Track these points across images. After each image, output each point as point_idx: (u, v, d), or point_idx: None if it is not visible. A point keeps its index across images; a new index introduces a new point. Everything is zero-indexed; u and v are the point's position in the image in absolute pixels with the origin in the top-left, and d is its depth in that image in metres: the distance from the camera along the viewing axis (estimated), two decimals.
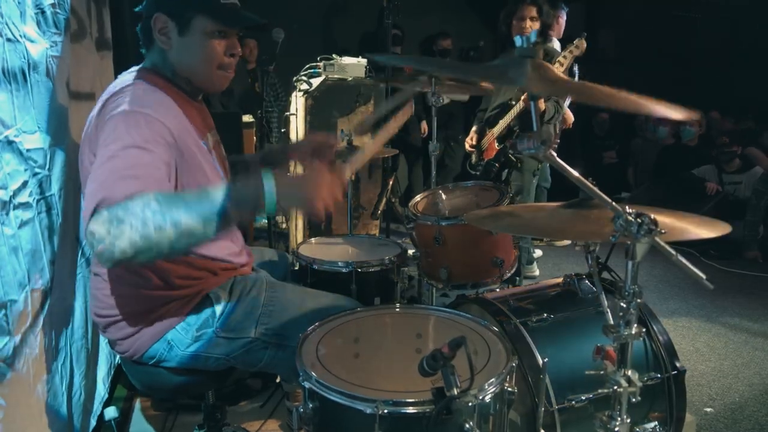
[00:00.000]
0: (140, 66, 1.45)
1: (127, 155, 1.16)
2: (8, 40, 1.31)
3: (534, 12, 3.15)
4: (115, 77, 2.39)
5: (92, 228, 1.04)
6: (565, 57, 2.90)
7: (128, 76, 1.40)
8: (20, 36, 1.37)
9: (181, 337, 1.42)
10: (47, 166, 1.52)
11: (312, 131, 3.63)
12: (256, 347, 1.45)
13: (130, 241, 1.03)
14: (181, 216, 1.05)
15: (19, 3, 1.37)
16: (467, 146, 3.48)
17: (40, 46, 1.48)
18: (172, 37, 1.38)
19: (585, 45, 2.89)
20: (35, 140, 1.45)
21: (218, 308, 1.46)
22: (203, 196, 1.11)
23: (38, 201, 1.47)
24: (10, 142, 1.32)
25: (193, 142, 1.40)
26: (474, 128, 3.49)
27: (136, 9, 1.43)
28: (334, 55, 3.73)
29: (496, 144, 3.29)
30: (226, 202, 1.08)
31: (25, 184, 1.39)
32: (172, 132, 1.29)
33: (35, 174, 1.46)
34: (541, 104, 3.06)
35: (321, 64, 3.69)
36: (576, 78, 3.38)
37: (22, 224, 1.37)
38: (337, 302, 1.57)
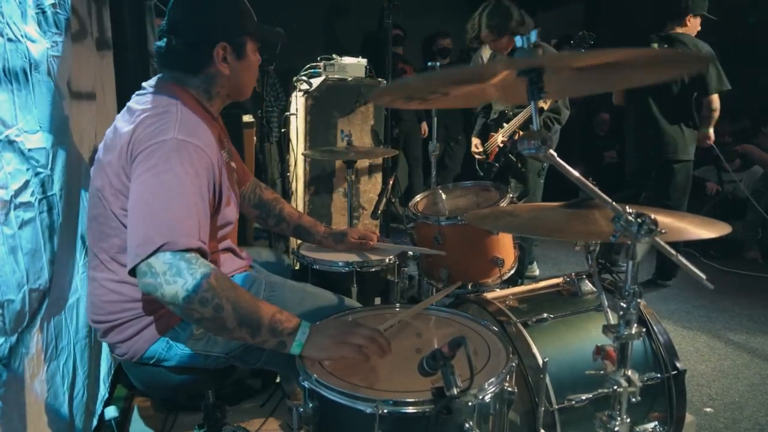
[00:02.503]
0: (165, 79, 1.46)
1: (184, 191, 1.25)
2: (9, 39, 1.31)
3: (488, 34, 3.13)
4: (116, 77, 2.42)
5: (151, 261, 1.19)
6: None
7: (161, 95, 1.40)
8: (21, 36, 1.37)
9: (179, 336, 1.42)
10: (49, 166, 1.52)
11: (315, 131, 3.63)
12: (254, 345, 1.45)
13: (175, 294, 1.18)
14: (226, 307, 1.21)
15: (19, 3, 1.37)
16: (475, 156, 3.52)
17: (41, 45, 1.48)
18: (230, 62, 1.45)
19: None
20: (37, 140, 1.45)
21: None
22: (252, 304, 1.24)
23: (40, 200, 1.47)
24: (11, 142, 1.33)
25: (223, 165, 1.44)
26: (474, 137, 3.54)
27: (162, 28, 1.45)
28: (334, 55, 3.73)
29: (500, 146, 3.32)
30: (266, 324, 1.23)
31: (26, 183, 1.40)
32: (213, 162, 1.35)
33: (37, 173, 1.46)
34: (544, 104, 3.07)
35: (321, 64, 3.69)
36: None
37: (23, 224, 1.37)
38: (337, 303, 1.57)
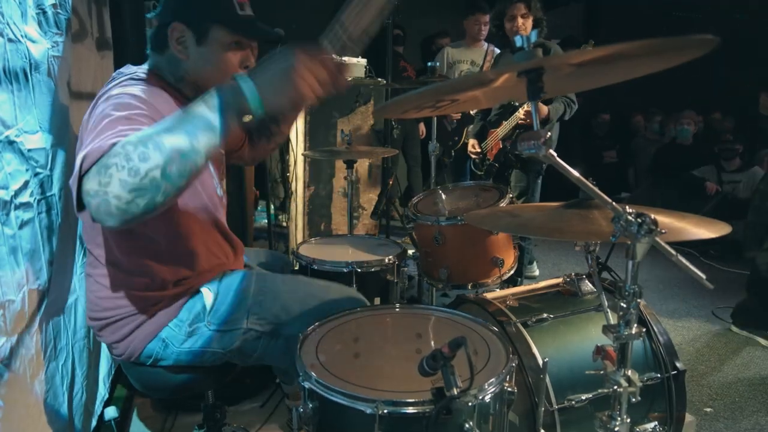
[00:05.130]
0: (141, 66, 1.45)
1: (113, 123, 1.10)
2: (9, 40, 1.31)
3: (523, 9, 3.17)
4: None
5: (85, 188, 0.99)
6: None
7: (125, 74, 1.39)
8: (21, 36, 1.37)
9: (174, 334, 1.43)
10: (48, 166, 1.52)
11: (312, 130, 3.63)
12: (249, 337, 1.46)
13: (120, 181, 0.98)
14: (164, 138, 1.00)
15: (20, 3, 1.37)
16: (471, 155, 3.52)
17: (41, 46, 1.48)
18: (189, 47, 1.38)
19: None
20: (37, 140, 1.45)
21: (208, 302, 1.46)
22: (181, 114, 1.05)
23: (39, 201, 1.47)
24: (11, 142, 1.32)
25: None
26: (471, 138, 3.55)
27: (148, 15, 1.43)
28: (334, 55, 3.73)
29: (501, 144, 3.32)
30: (215, 112, 1.05)
31: (26, 184, 1.40)
32: (163, 114, 1.21)
33: (36, 174, 1.46)
34: (543, 109, 3.06)
35: None
36: None
37: (23, 224, 1.37)
38: (328, 288, 1.57)
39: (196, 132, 1.03)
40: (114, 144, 1.01)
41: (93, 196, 0.98)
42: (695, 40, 0.87)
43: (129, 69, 1.42)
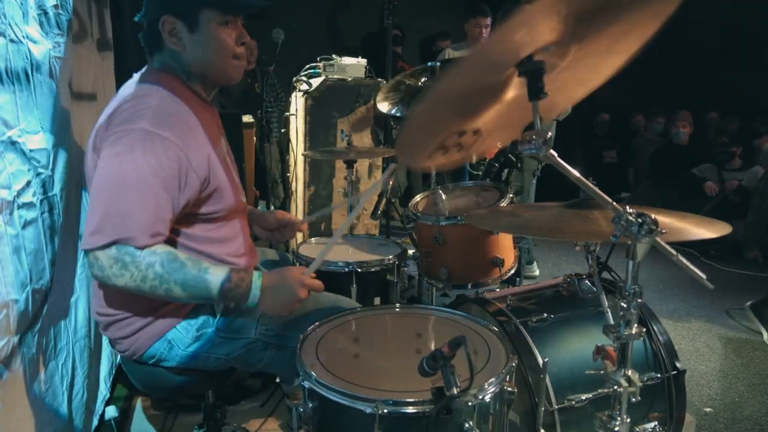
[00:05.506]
0: (152, 67, 1.44)
1: (142, 183, 1.24)
2: (11, 41, 1.31)
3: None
4: (116, 77, 2.42)
5: (98, 254, 1.23)
6: None
7: (144, 81, 1.39)
8: (23, 37, 1.38)
9: (181, 337, 1.42)
10: (50, 167, 1.53)
11: (312, 130, 3.63)
12: (256, 347, 1.46)
13: (126, 285, 1.24)
14: (176, 289, 1.26)
15: (21, 4, 1.38)
16: None
17: (42, 46, 1.48)
18: (183, 37, 1.38)
19: None
20: (39, 140, 1.45)
21: (219, 308, 1.46)
22: (200, 280, 1.28)
23: (41, 201, 1.47)
24: (13, 143, 1.33)
25: (211, 154, 1.40)
26: None
27: (136, 18, 1.42)
28: (333, 56, 3.73)
29: (499, 143, 3.31)
30: (216, 295, 1.29)
31: (28, 184, 1.40)
32: (189, 157, 1.31)
33: (38, 174, 1.46)
34: None
35: (321, 64, 3.69)
36: None
37: (26, 224, 1.38)
38: (338, 304, 1.57)
39: (197, 295, 1.30)
40: (141, 247, 1.23)
41: (99, 269, 1.24)
42: None
43: (147, 73, 1.41)
